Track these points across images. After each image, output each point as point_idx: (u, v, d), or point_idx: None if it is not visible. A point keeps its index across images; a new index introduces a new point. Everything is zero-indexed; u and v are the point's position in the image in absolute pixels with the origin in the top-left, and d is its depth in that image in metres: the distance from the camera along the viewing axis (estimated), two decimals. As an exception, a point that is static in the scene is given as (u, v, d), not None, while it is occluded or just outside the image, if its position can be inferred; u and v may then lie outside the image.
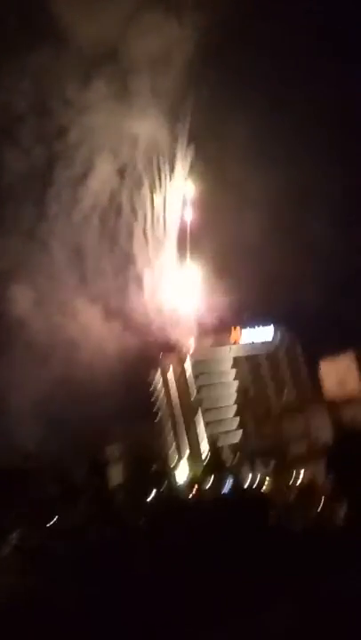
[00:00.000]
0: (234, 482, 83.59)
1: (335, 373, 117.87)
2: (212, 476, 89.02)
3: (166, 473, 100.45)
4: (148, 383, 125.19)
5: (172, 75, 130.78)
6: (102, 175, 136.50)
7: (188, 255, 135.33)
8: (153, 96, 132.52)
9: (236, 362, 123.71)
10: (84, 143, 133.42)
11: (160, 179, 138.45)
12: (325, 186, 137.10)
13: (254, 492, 68.41)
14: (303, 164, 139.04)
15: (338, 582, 31.06)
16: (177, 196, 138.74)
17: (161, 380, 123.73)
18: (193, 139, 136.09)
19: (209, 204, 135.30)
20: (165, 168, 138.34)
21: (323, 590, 30.78)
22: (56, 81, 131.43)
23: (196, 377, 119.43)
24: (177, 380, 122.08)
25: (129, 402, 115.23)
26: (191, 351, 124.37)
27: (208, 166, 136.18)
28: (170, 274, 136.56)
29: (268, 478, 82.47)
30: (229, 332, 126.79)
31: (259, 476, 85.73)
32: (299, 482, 76.22)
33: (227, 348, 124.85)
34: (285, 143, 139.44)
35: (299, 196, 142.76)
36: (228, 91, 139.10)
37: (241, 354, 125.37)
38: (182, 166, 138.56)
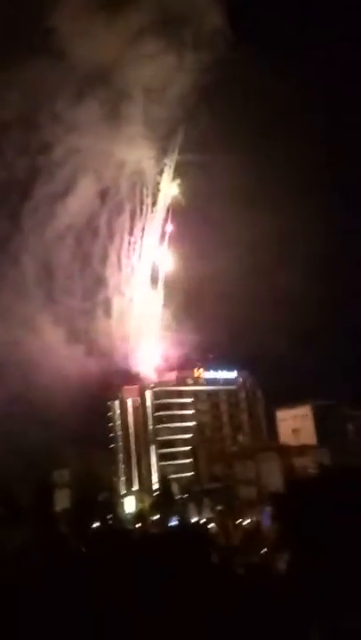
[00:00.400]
0: (181, 518, 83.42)
1: (291, 422, 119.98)
2: (160, 510, 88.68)
3: (114, 502, 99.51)
4: (105, 410, 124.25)
5: (164, 106, 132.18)
6: (83, 195, 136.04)
7: (160, 288, 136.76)
8: (144, 124, 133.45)
9: (197, 399, 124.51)
10: (69, 161, 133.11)
11: (141, 208, 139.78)
12: (302, 235, 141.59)
13: (200, 530, 68.23)
14: (283, 213, 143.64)
15: (271, 628, 31.60)
16: (155, 228, 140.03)
17: (119, 408, 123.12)
18: (178, 174, 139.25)
19: (186, 241, 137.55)
20: (148, 199, 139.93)
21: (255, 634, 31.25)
22: (47, 96, 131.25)
23: (154, 409, 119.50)
24: (135, 411, 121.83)
25: (84, 427, 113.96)
26: (153, 383, 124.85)
27: (190, 203, 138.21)
28: (139, 303, 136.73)
29: (214, 518, 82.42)
30: (193, 369, 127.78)
31: (206, 515, 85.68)
32: (244, 525, 76.43)
33: (188, 384, 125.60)
34: (268, 190, 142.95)
35: (275, 245, 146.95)
36: (218, 131, 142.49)
37: (202, 391, 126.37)
38: (164, 200, 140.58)
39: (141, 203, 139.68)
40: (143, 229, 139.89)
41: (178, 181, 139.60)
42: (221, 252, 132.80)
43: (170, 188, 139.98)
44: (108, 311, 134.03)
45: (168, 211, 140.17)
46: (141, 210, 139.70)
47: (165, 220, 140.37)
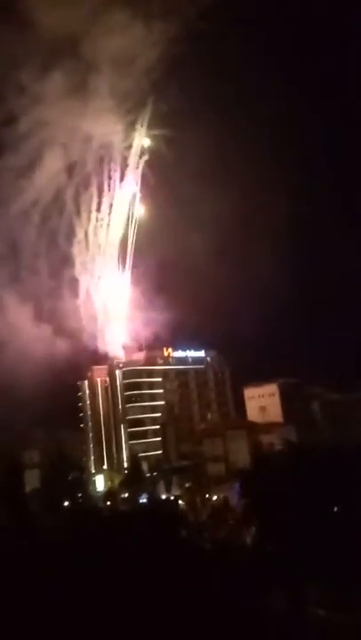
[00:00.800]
0: (150, 495, 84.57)
1: (258, 400, 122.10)
2: (130, 488, 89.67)
3: (84, 481, 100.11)
4: (74, 390, 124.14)
5: (132, 78, 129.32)
6: (49, 170, 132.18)
7: (129, 266, 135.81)
8: (111, 97, 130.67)
9: (166, 378, 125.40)
10: (34, 135, 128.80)
11: (109, 184, 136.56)
12: (272, 213, 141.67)
13: (169, 507, 69.41)
14: (254, 188, 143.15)
15: (236, 601, 32.72)
16: (124, 204, 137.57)
17: (88, 388, 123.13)
18: (147, 150, 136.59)
19: (156, 219, 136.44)
20: (116, 175, 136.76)
21: (221, 607, 32.32)
22: (11, 66, 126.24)
23: (124, 388, 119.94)
24: (105, 390, 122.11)
25: (53, 408, 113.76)
26: (122, 363, 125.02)
27: (159, 178, 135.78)
28: (108, 282, 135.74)
29: (183, 495, 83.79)
30: (162, 349, 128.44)
31: (175, 492, 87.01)
32: (213, 502, 77.96)
33: (158, 363, 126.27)
34: (239, 165, 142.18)
35: (245, 224, 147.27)
36: (187, 106, 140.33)
37: (171, 370, 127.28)
38: (133, 176, 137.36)
39: (109, 178, 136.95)
40: (111, 206, 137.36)
41: (146, 156, 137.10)
42: (191, 230, 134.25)
43: (138, 163, 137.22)
44: (75, 290, 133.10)
45: (137, 186, 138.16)
46: (109, 186, 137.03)
47: (134, 196, 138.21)
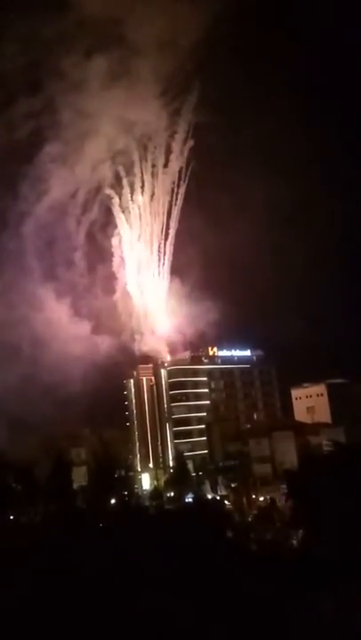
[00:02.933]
0: (196, 495, 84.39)
1: (306, 400, 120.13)
2: (175, 487, 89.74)
3: (130, 479, 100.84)
4: (121, 389, 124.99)
5: (176, 60, 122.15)
6: (90, 159, 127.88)
7: (171, 261, 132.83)
8: (156, 82, 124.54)
9: (211, 377, 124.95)
10: (75, 123, 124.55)
11: (153, 172, 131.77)
12: (326, 207, 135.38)
13: (215, 507, 69.07)
14: (307, 181, 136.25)
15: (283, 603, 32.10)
16: (167, 195, 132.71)
17: (134, 387, 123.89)
18: (192, 136, 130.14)
19: (201, 210, 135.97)
20: (159, 162, 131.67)
21: (266, 611, 31.77)
22: (52, 51, 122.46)
23: (169, 387, 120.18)
24: (150, 389, 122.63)
25: (100, 406, 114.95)
26: (167, 362, 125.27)
27: (205, 167, 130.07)
28: (149, 277, 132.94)
29: (229, 495, 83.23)
30: (207, 348, 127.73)
31: (221, 492, 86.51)
32: (259, 503, 77.14)
33: (203, 362, 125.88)
34: (292, 155, 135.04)
35: (296, 217, 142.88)
36: (236, 90, 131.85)
37: (216, 370, 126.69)
38: (176, 164, 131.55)
39: (153, 166, 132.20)
40: (153, 195, 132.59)
41: (191, 143, 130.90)
42: (237, 223, 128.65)
43: (183, 152, 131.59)
44: (116, 286, 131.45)
45: (180, 175, 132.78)
46: (153, 175, 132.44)
47: (178, 186, 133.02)
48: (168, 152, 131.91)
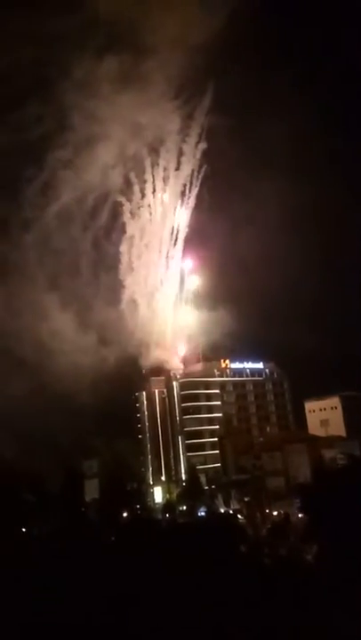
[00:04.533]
0: (208, 508, 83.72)
1: (319, 413, 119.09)
2: (188, 501, 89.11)
3: (142, 492, 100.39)
4: (133, 401, 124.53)
5: (188, 59, 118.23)
6: (101, 162, 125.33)
7: (181, 269, 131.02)
8: (168, 84, 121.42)
9: (223, 390, 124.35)
10: (84, 126, 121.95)
11: (164, 176, 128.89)
12: (343, 214, 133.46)
13: (228, 521, 68.34)
14: (323, 187, 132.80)
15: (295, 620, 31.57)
16: (177, 200, 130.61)
17: (146, 399, 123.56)
18: (205, 139, 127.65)
19: (211, 216, 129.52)
20: (171, 167, 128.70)
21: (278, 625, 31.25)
22: (63, 50, 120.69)
23: (181, 400, 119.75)
24: (162, 402, 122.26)
25: (112, 418, 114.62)
26: (179, 374, 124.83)
27: (216, 174, 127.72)
28: (159, 287, 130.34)
29: (242, 509, 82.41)
30: (219, 360, 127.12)
31: (233, 506, 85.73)
32: (273, 517, 76.22)
33: (215, 375, 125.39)
34: (311, 158, 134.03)
35: (309, 225, 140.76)
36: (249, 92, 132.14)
37: (228, 382, 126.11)
38: (188, 168, 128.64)
39: (164, 170, 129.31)
40: (163, 201, 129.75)
41: (204, 146, 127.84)
42: (250, 232, 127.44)
43: (195, 155, 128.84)
44: (125, 296, 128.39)
45: (192, 180, 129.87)
46: (163, 179, 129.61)
47: (190, 191, 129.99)
48: (180, 156, 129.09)
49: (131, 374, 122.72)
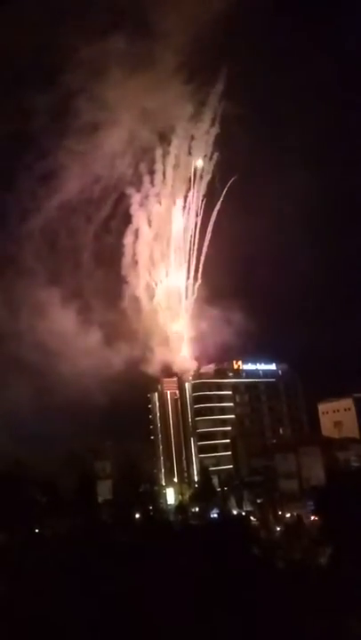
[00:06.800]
0: (221, 510, 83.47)
1: (333, 415, 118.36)
2: (200, 502, 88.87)
3: (155, 494, 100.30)
4: (146, 402, 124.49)
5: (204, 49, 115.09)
6: (110, 151, 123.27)
7: (194, 267, 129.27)
8: (180, 70, 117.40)
9: (236, 391, 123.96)
10: (95, 113, 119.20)
11: (174, 166, 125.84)
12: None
13: (241, 523, 68.09)
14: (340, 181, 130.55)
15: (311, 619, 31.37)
16: (187, 191, 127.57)
17: (158, 401, 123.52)
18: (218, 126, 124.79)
19: (225, 211, 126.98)
20: (182, 155, 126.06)
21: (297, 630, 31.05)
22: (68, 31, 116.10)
23: (194, 401, 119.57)
24: (174, 403, 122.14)
25: (125, 419, 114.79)
26: (192, 375, 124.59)
27: (229, 165, 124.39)
28: (170, 285, 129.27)
29: (255, 511, 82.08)
30: (232, 361, 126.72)
31: (246, 507, 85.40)
32: (286, 519, 75.86)
33: (228, 376, 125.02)
34: (329, 148, 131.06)
35: (322, 226, 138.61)
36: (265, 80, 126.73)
37: (241, 383, 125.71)
38: (200, 155, 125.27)
39: (175, 158, 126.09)
40: (173, 190, 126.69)
41: (217, 129, 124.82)
42: (264, 230, 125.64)
43: (207, 142, 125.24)
44: (135, 292, 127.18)
45: (204, 169, 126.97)
46: (174, 168, 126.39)
47: (201, 180, 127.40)
48: (190, 144, 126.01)
49: (141, 375, 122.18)
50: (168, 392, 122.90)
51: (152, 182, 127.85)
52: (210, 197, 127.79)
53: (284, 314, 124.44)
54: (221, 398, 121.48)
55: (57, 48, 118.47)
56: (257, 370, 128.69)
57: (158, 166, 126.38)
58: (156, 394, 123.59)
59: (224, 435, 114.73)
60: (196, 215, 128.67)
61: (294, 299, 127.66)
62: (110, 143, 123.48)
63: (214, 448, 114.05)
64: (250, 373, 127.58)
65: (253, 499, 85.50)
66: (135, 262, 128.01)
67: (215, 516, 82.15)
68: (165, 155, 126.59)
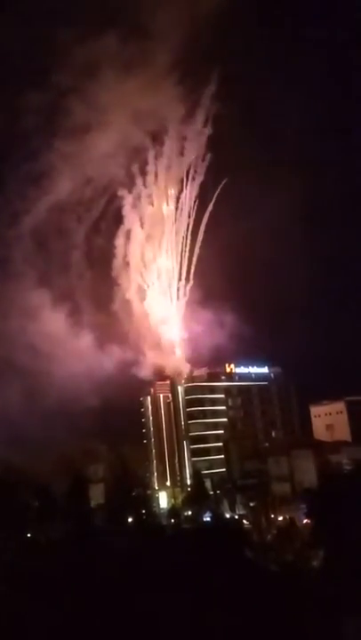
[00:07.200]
0: (214, 514, 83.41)
1: (325, 418, 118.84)
2: (193, 506, 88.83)
3: (148, 497, 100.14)
4: (138, 406, 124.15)
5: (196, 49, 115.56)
6: (101, 153, 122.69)
7: (186, 270, 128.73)
8: (173, 70, 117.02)
9: (228, 394, 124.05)
10: (88, 115, 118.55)
11: (167, 166, 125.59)
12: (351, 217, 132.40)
13: (234, 526, 68.18)
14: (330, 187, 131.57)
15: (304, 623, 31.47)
16: (179, 192, 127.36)
17: (151, 404, 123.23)
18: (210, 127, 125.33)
19: (217, 214, 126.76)
20: (174, 155, 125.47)
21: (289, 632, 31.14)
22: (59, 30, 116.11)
23: (186, 405, 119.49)
24: (167, 406, 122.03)
25: (117, 422, 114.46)
26: (184, 379, 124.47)
27: (221, 164, 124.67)
28: (160, 288, 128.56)
29: (248, 515, 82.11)
30: (224, 364, 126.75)
31: (239, 511, 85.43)
32: (278, 522, 75.94)
33: (220, 379, 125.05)
34: (324, 150, 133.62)
35: (316, 226, 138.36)
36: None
37: (234, 387, 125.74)
38: (192, 156, 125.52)
39: (168, 159, 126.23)
40: (167, 191, 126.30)
41: (209, 130, 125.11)
42: (256, 229, 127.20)
43: (200, 143, 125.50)
44: (125, 295, 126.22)
45: (196, 169, 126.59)
46: (166, 169, 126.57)
47: (193, 180, 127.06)
48: (182, 145, 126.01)
49: (133, 379, 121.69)
50: (160, 395, 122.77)
51: (144, 183, 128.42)
52: (202, 198, 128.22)
53: (277, 317, 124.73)
54: (214, 401, 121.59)
55: (48, 48, 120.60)
56: (249, 373, 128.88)
57: (150, 167, 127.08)
58: (149, 397, 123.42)
59: (217, 438, 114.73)
60: (189, 216, 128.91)
61: (287, 301, 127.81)
62: (102, 144, 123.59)
63: (207, 451, 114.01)
64: (242, 377, 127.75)
65: (246, 502, 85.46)
66: (127, 264, 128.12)
67: (208, 519, 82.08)
68: (158, 156, 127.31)
